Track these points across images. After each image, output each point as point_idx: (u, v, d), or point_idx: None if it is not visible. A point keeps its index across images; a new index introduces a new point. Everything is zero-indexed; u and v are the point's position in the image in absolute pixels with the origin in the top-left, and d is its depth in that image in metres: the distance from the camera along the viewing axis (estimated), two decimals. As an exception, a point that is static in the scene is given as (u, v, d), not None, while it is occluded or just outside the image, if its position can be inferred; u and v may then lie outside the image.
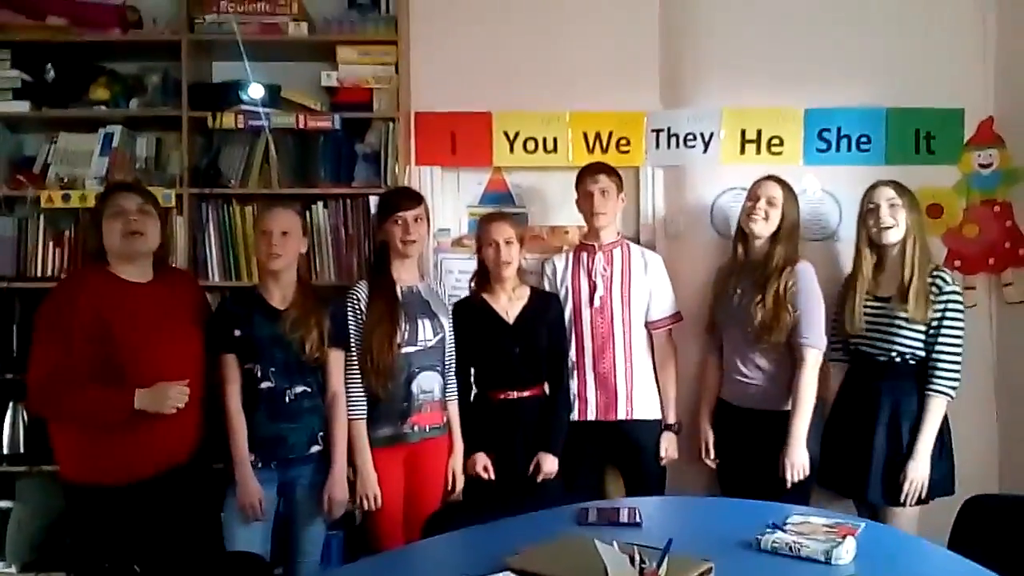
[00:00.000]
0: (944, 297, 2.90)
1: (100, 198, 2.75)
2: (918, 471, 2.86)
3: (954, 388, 2.88)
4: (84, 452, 2.60)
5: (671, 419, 3.23)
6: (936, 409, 2.88)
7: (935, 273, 2.94)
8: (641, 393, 3.19)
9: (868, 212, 3.01)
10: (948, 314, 2.90)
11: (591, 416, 3.17)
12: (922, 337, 2.91)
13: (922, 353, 2.92)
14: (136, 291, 2.65)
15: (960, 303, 2.93)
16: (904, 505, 2.87)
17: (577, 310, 3.20)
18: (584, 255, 3.25)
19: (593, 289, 3.20)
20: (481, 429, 3.03)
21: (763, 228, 3.07)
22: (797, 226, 3.12)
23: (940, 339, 2.90)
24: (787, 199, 3.08)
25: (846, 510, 2.88)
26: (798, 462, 2.95)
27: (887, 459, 2.90)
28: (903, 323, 2.91)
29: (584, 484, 3.10)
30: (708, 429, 3.21)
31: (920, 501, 2.87)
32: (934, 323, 2.90)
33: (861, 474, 2.92)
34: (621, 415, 3.17)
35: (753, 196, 3.10)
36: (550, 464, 3.02)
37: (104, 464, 2.57)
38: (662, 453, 3.18)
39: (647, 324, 3.24)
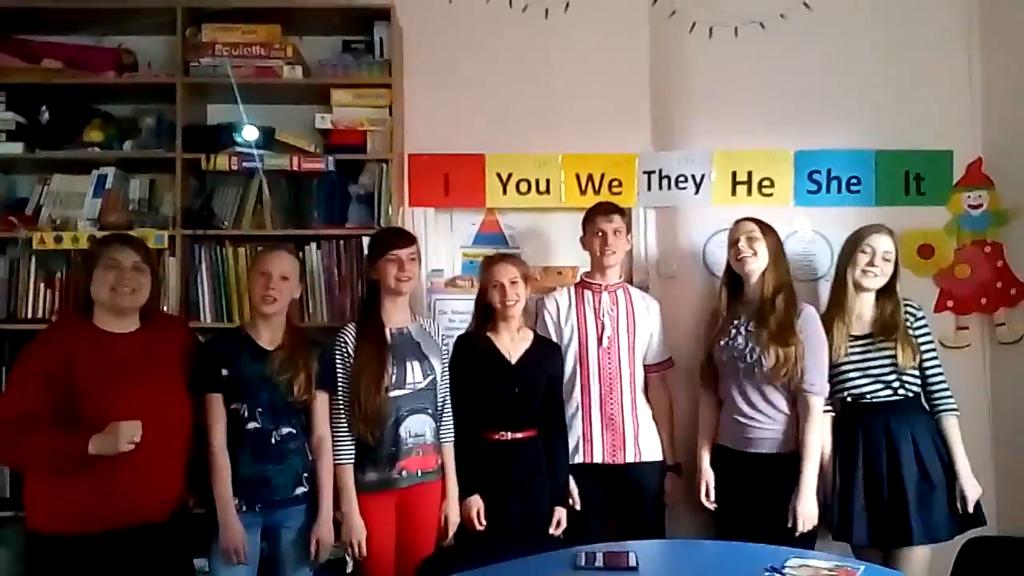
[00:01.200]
0: (919, 324, 3.02)
1: (96, 246, 2.73)
2: (974, 489, 2.92)
3: (956, 405, 3.01)
4: (51, 500, 2.52)
5: (671, 459, 3.22)
6: (956, 427, 2.98)
7: (905, 307, 3.03)
8: (646, 435, 3.19)
9: (861, 254, 3.02)
10: (925, 339, 3.03)
11: (597, 459, 3.14)
12: (916, 370, 2.99)
13: (917, 386, 3.01)
14: (115, 342, 2.61)
15: (928, 325, 3.07)
16: (952, 536, 2.87)
17: (584, 350, 3.19)
18: (589, 294, 3.24)
19: (601, 329, 3.19)
20: (476, 469, 2.99)
21: (754, 264, 3.06)
22: (782, 255, 3.12)
23: (931, 365, 3.01)
24: (765, 232, 3.09)
25: (844, 554, 2.85)
26: (808, 512, 2.92)
27: (923, 497, 2.90)
28: (890, 359, 2.95)
29: (591, 528, 3.05)
30: (708, 470, 3.15)
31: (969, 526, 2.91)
32: (922, 355, 3.00)
33: (899, 517, 2.89)
34: (630, 458, 3.16)
35: (733, 240, 3.12)
36: (564, 517, 3.02)
37: (69, 512, 2.48)
38: (670, 495, 3.17)
39: (644, 367, 3.24)
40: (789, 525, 2.91)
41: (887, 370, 2.96)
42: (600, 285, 3.24)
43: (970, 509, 2.91)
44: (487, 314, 3.09)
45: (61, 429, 2.45)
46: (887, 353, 2.95)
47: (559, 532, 2.99)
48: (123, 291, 2.59)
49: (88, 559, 2.48)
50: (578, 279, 3.36)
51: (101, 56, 3.42)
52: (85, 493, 2.47)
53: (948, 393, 3.00)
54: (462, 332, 3.18)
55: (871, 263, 3.00)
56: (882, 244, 3.01)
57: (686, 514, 3.30)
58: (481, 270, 3.16)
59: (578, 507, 3.09)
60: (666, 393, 3.30)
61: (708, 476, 3.15)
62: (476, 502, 2.96)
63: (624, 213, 3.26)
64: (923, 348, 3.00)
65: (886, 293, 3.03)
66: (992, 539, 2.80)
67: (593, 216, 3.23)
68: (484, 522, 2.95)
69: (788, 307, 3.02)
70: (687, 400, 3.39)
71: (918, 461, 2.91)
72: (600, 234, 3.19)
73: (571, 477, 3.10)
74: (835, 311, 3.06)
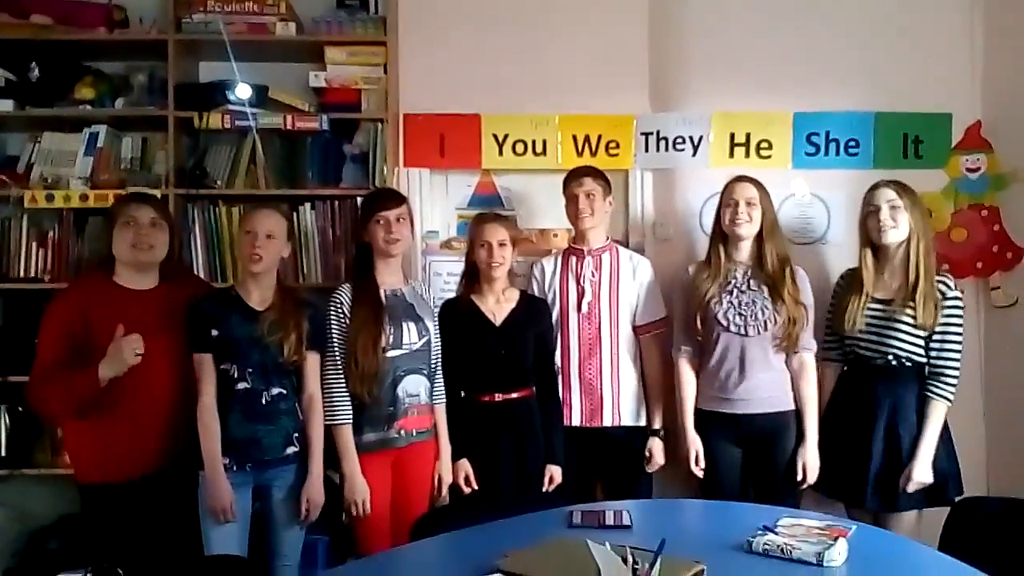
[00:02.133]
0: (947, 303, 2.93)
1: (116, 205, 2.85)
2: (921, 475, 2.86)
3: (954, 394, 2.92)
4: (80, 450, 2.74)
5: (657, 424, 3.21)
6: (938, 414, 2.90)
7: (938, 279, 2.95)
8: (627, 399, 3.19)
9: (869, 214, 3.00)
10: (952, 320, 2.93)
11: (576, 422, 3.15)
12: (922, 342, 2.93)
13: (920, 357, 2.94)
14: (132, 297, 2.72)
15: (960, 309, 2.96)
16: (900, 510, 2.88)
17: (564, 315, 3.19)
18: (573, 259, 3.24)
19: (581, 294, 3.18)
20: (467, 432, 3.00)
21: (749, 230, 3.05)
22: (776, 220, 3.12)
23: (944, 345, 2.92)
24: (763, 196, 3.07)
25: (837, 514, 2.87)
26: (814, 463, 2.98)
27: (885, 465, 2.89)
28: (905, 326, 2.92)
29: (571, 489, 3.06)
30: (696, 437, 3.12)
31: (928, 504, 2.88)
32: (936, 328, 2.91)
33: (859, 480, 2.92)
34: (607, 422, 3.16)
35: (730, 200, 3.07)
36: (559, 475, 3.02)
37: (97, 460, 2.67)
38: (654, 460, 3.17)
39: (634, 328, 3.23)
40: (799, 479, 2.98)
41: (886, 338, 2.94)
42: (583, 250, 3.23)
43: (908, 490, 2.86)
44: (473, 275, 3.08)
45: (78, 370, 2.58)
46: (896, 319, 2.92)
47: (551, 488, 3.00)
48: (142, 247, 2.70)
49: (115, 505, 2.65)
50: (566, 245, 3.35)
51: (92, 12, 3.37)
52: (100, 442, 2.65)
53: (946, 379, 2.91)
54: (448, 298, 3.17)
55: (879, 218, 2.96)
56: (884, 196, 2.97)
57: (674, 476, 3.30)
58: (470, 228, 3.14)
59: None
60: (659, 355, 3.26)
61: (696, 444, 3.11)
62: (464, 465, 2.98)
63: (599, 175, 3.20)
64: (942, 326, 2.91)
65: (909, 260, 2.94)
66: (983, 499, 2.82)
67: (568, 181, 3.22)
68: (475, 485, 2.96)
69: (793, 274, 3.05)
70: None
71: (890, 431, 2.91)
72: (574, 198, 3.18)
73: None
74: (854, 282, 3.06)
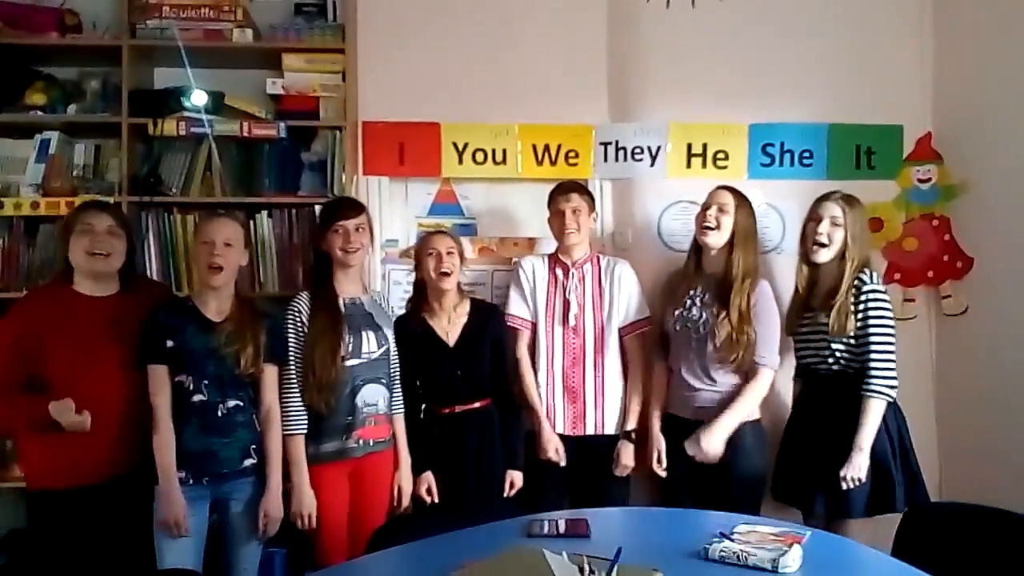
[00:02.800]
0: (864, 298, 2.92)
1: (72, 213, 2.82)
2: (852, 471, 2.86)
3: (891, 389, 2.88)
4: (32, 458, 2.71)
5: (630, 426, 3.21)
6: (872, 411, 2.87)
7: (856, 277, 2.95)
8: (611, 409, 3.21)
9: (810, 222, 3.05)
10: (872, 314, 2.91)
11: (559, 430, 3.17)
12: (853, 344, 2.95)
13: (858, 362, 2.95)
14: (88, 305, 2.70)
15: (883, 300, 2.94)
16: (842, 513, 2.90)
17: (549, 324, 3.21)
18: (559, 272, 3.25)
19: (567, 308, 3.20)
20: (429, 442, 3.00)
21: (716, 238, 3.07)
22: (753, 234, 3.13)
23: (869, 340, 2.91)
24: (739, 206, 3.09)
25: (796, 521, 2.90)
26: (708, 448, 2.97)
27: (830, 471, 2.90)
28: (830, 337, 2.96)
29: (550, 497, 3.08)
30: (660, 436, 3.18)
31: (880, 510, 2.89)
32: (859, 327, 2.92)
33: (809, 486, 2.95)
34: (590, 430, 3.19)
35: (704, 206, 3.12)
36: (519, 480, 3.02)
37: (46, 465, 2.64)
38: (621, 462, 3.16)
39: (619, 329, 3.25)
40: (690, 453, 3.00)
41: (820, 344, 2.99)
42: (567, 264, 3.24)
43: (844, 485, 2.85)
44: (421, 293, 3.07)
45: (32, 390, 2.60)
46: (823, 327, 2.96)
47: (512, 494, 3.00)
48: (98, 255, 2.68)
49: (60, 513, 2.62)
50: (551, 252, 3.34)
51: (43, 16, 3.32)
52: (52, 451, 2.61)
53: (879, 375, 2.87)
54: (400, 314, 3.14)
55: (816, 231, 3.00)
56: (831, 210, 3.00)
57: (645, 481, 3.32)
58: (417, 244, 3.15)
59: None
60: (642, 353, 3.27)
61: (660, 443, 3.17)
62: (427, 478, 2.97)
63: (585, 191, 3.25)
64: (866, 322, 2.91)
65: (840, 261, 2.97)
66: (935, 505, 2.88)
67: (554, 196, 3.23)
68: (436, 498, 2.95)
69: (751, 293, 3.04)
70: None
71: (836, 437, 2.91)
72: (560, 213, 3.19)
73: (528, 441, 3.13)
74: (796, 286, 3.11)
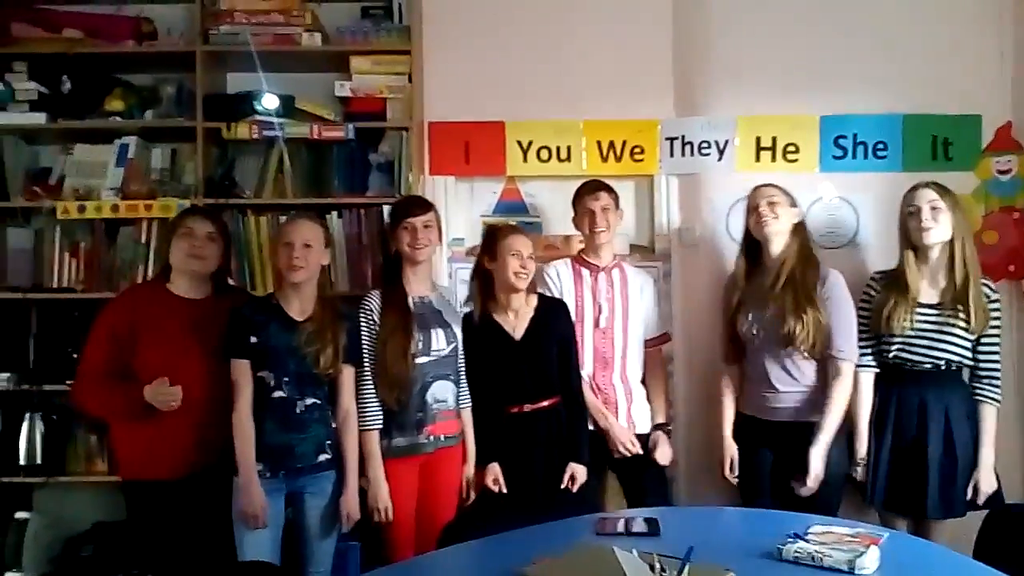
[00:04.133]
0: (992, 305, 2.92)
1: (176, 217, 2.97)
2: (988, 483, 2.86)
3: (1002, 397, 2.92)
4: (124, 449, 2.83)
5: (660, 419, 3.21)
6: (992, 418, 2.91)
7: (982, 283, 2.93)
8: (640, 408, 3.20)
9: (909, 215, 2.96)
10: (996, 322, 2.92)
11: (590, 427, 3.14)
12: (970, 345, 2.91)
13: (968, 361, 2.92)
14: (181, 304, 2.82)
15: (1000, 311, 2.96)
16: (955, 512, 2.86)
17: (579, 327, 3.18)
18: (586, 273, 3.23)
19: (599, 311, 3.19)
20: (498, 442, 2.99)
21: (777, 227, 3.02)
22: (802, 223, 3.08)
23: (991, 347, 2.92)
24: (784, 196, 3.05)
25: (872, 523, 2.84)
26: (817, 467, 2.90)
27: (945, 472, 2.86)
28: (959, 331, 2.88)
29: (588, 492, 3.05)
30: (732, 444, 3.12)
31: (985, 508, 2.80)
32: (985, 331, 2.90)
33: (919, 488, 2.87)
34: None
35: (753, 205, 3.07)
36: (582, 474, 2.99)
37: (138, 457, 2.76)
38: (655, 454, 3.13)
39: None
40: (800, 485, 2.91)
41: (938, 342, 2.90)
42: (596, 266, 3.22)
43: (979, 501, 2.85)
44: (488, 286, 3.04)
45: (125, 380, 2.71)
46: (949, 324, 2.89)
47: (575, 488, 2.97)
48: (195, 257, 2.81)
49: (153, 503, 2.74)
50: (574, 254, 3.33)
51: (121, 25, 3.43)
52: (143, 442, 2.73)
53: (996, 382, 2.92)
54: (466, 311, 3.12)
55: (920, 218, 2.91)
56: (925, 196, 2.92)
57: (708, 487, 3.28)
58: (489, 239, 3.06)
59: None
60: (662, 369, 3.31)
61: (732, 450, 3.11)
62: (494, 469, 2.96)
63: (612, 190, 3.21)
64: (990, 327, 2.91)
65: (954, 262, 2.91)
66: (1018, 506, 2.79)
67: (581, 195, 3.20)
68: (503, 487, 2.94)
69: (808, 274, 2.99)
70: (705, 369, 3.40)
71: (946, 436, 2.88)
72: (589, 212, 3.16)
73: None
74: (897, 283, 2.99)
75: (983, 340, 2.92)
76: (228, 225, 3.05)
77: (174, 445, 2.70)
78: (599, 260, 3.23)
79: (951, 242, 2.92)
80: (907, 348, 2.95)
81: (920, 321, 2.93)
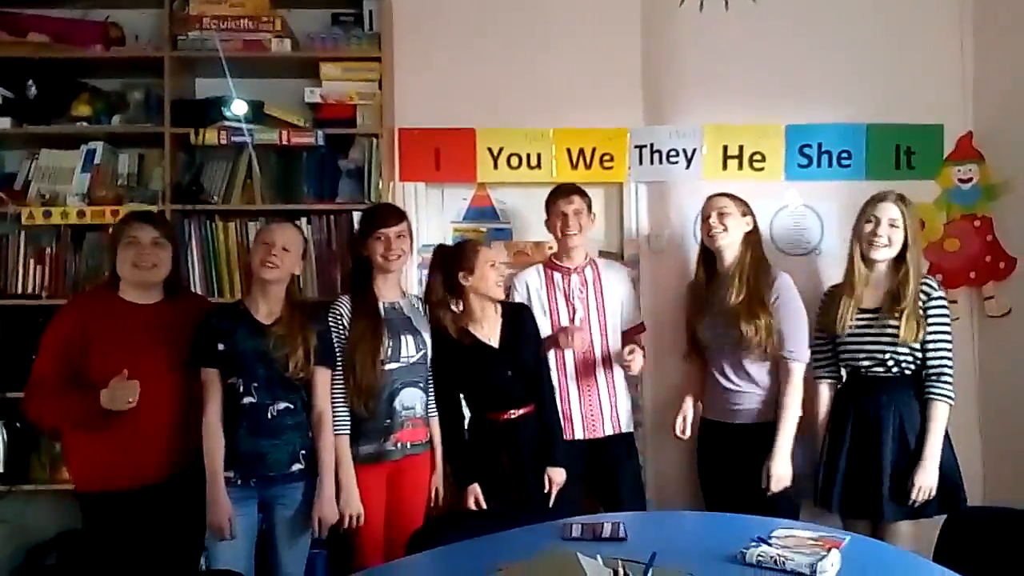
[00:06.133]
0: (932, 304, 2.93)
1: (118, 225, 2.87)
2: (926, 478, 2.85)
3: (953, 394, 2.91)
4: (84, 459, 2.74)
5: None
6: (940, 416, 2.89)
7: (921, 283, 2.95)
8: (623, 407, 3.22)
9: (865, 223, 2.99)
10: (940, 320, 2.92)
11: (578, 436, 3.16)
12: (919, 346, 2.93)
13: (915, 364, 2.94)
14: (134, 311, 2.75)
15: (945, 308, 2.95)
16: (912, 514, 2.88)
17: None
18: (559, 276, 3.24)
19: (573, 312, 3.20)
20: (477, 453, 2.98)
21: (727, 239, 3.08)
22: (754, 229, 3.13)
23: (937, 346, 2.92)
24: (736, 205, 3.09)
25: (834, 525, 2.87)
26: (782, 473, 2.96)
27: (898, 475, 2.88)
28: (897, 340, 2.91)
29: (568, 501, 3.04)
30: (690, 407, 3.21)
31: (941, 511, 2.83)
32: (928, 331, 2.91)
33: (874, 492, 2.90)
34: (608, 431, 3.18)
35: (705, 215, 3.12)
36: (560, 476, 2.99)
37: (96, 469, 2.68)
38: (627, 358, 3.09)
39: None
40: (763, 486, 2.95)
41: (883, 346, 2.94)
42: (568, 268, 3.23)
43: (914, 495, 2.83)
44: (456, 298, 3.01)
45: (79, 389, 2.63)
46: (889, 328, 2.93)
47: (554, 491, 2.98)
48: (143, 266, 2.73)
49: (111, 514, 2.66)
50: (546, 259, 3.34)
51: (88, 30, 3.41)
52: (100, 452, 2.66)
53: (945, 379, 2.90)
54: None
55: (875, 232, 2.96)
56: (888, 212, 2.96)
57: (672, 487, 3.31)
58: (468, 254, 3.00)
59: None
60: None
61: (687, 410, 3.20)
62: (475, 490, 2.93)
63: (584, 194, 3.22)
64: (931, 328, 2.90)
65: (900, 265, 2.95)
66: (977, 509, 2.84)
67: (554, 199, 3.20)
68: (484, 505, 2.92)
69: (760, 280, 3.05)
70: (672, 374, 3.43)
71: (901, 440, 2.90)
72: (561, 216, 3.17)
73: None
74: (844, 285, 3.05)
75: (929, 340, 2.92)
76: (172, 224, 3.00)
77: (131, 453, 2.65)
78: (571, 262, 3.24)
79: (897, 257, 2.96)
80: (855, 353, 3.00)
81: (862, 325, 2.98)
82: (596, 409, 3.18)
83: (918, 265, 2.96)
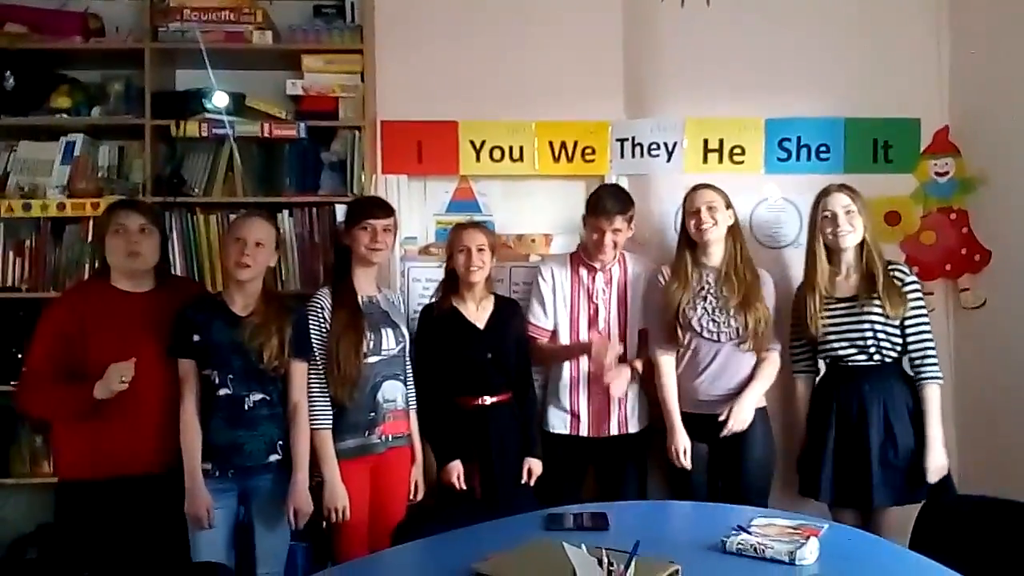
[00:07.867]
0: (908, 288, 3.01)
1: (104, 214, 2.87)
2: (937, 459, 2.92)
3: (941, 373, 3.00)
4: (65, 448, 2.77)
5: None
6: (935, 396, 2.97)
7: (891, 268, 3.04)
8: (632, 408, 3.23)
9: (824, 219, 3.06)
10: (918, 303, 3.02)
11: (584, 432, 3.19)
12: (898, 331, 2.99)
13: (897, 351, 3.00)
14: (127, 300, 2.76)
15: (920, 292, 3.06)
16: (901, 499, 2.92)
17: (575, 326, 3.22)
18: (584, 272, 3.25)
19: (595, 311, 3.22)
20: (456, 436, 3.01)
21: (717, 233, 3.11)
22: (736, 222, 3.19)
23: (919, 328, 3.00)
24: (723, 199, 3.13)
25: (809, 513, 2.91)
26: (740, 416, 3.03)
27: (887, 461, 2.93)
28: (879, 319, 2.97)
29: (566, 494, 3.06)
30: (684, 433, 3.12)
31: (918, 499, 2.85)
32: (908, 315, 2.99)
33: (863, 480, 2.94)
34: (614, 431, 3.21)
35: (692, 208, 3.14)
36: (538, 467, 3.04)
37: (83, 456, 2.67)
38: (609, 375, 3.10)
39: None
40: (726, 430, 3.03)
41: (864, 332, 2.99)
42: (595, 267, 3.24)
43: (930, 479, 2.91)
44: (452, 282, 3.10)
45: (73, 380, 2.63)
46: (870, 313, 2.98)
47: (532, 482, 3.03)
48: (133, 254, 2.73)
49: (91, 504, 2.66)
50: (575, 250, 3.36)
51: (67, 20, 3.37)
52: (92, 439, 2.65)
53: (932, 361, 2.98)
54: (427, 303, 3.18)
55: (836, 223, 3.02)
56: (839, 201, 3.03)
57: (660, 472, 3.34)
58: (449, 235, 3.16)
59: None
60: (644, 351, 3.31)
61: (684, 440, 3.12)
62: (456, 467, 2.97)
63: (627, 210, 3.15)
64: (910, 312, 2.99)
65: (861, 250, 3.05)
66: (953, 498, 2.88)
67: (595, 212, 3.13)
68: (464, 485, 2.96)
69: (750, 273, 3.12)
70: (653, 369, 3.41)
71: (886, 427, 2.95)
72: (599, 232, 3.13)
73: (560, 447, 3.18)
74: (805, 285, 3.11)
75: (908, 323, 2.99)
76: (159, 212, 2.99)
77: (125, 441, 2.64)
78: (599, 263, 3.22)
79: (862, 240, 3.04)
80: (834, 344, 3.04)
81: (840, 314, 3.03)
82: (605, 408, 3.19)
83: (877, 244, 3.06)
